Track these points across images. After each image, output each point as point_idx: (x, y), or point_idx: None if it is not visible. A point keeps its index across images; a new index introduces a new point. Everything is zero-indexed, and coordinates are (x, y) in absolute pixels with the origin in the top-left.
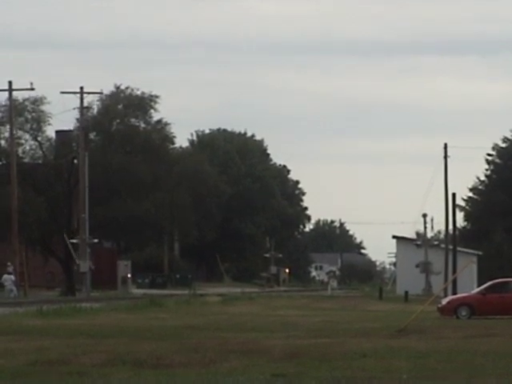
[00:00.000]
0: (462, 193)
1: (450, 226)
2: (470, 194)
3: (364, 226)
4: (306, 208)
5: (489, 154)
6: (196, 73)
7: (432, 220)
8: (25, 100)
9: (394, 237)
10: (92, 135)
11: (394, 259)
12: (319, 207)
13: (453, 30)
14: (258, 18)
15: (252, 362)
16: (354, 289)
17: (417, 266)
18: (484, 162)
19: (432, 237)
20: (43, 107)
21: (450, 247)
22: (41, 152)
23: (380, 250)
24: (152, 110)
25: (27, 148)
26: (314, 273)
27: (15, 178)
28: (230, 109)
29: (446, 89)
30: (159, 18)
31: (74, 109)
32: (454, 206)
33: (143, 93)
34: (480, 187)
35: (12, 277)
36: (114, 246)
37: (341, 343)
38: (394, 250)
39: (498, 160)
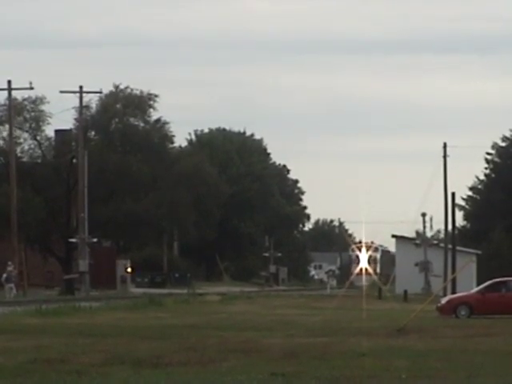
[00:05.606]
0: (462, 192)
1: (450, 226)
2: (470, 193)
3: (363, 225)
4: (305, 207)
5: (488, 153)
6: (195, 72)
7: (431, 219)
8: (24, 100)
9: (393, 236)
10: (91, 134)
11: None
12: (318, 206)
13: (452, 29)
14: (258, 17)
15: (251, 361)
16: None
17: (416, 265)
18: (483, 161)
19: (431, 236)
20: (43, 107)
21: (450, 246)
22: (40, 151)
23: None
24: (151, 109)
25: (26, 147)
26: (313, 272)
27: (14, 177)
28: (229, 108)
29: (445, 88)
30: (159, 18)
31: (73, 108)
32: (454, 205)
33: (142, 92)
34: (479, 186)
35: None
36: (113, 245)
37: (340, 342)
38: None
39: (497, 159)
